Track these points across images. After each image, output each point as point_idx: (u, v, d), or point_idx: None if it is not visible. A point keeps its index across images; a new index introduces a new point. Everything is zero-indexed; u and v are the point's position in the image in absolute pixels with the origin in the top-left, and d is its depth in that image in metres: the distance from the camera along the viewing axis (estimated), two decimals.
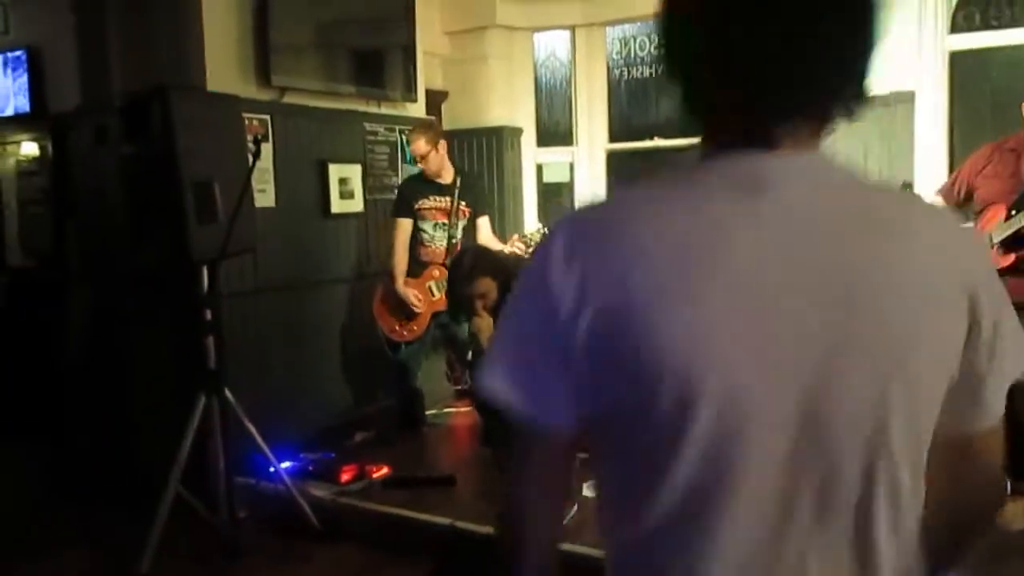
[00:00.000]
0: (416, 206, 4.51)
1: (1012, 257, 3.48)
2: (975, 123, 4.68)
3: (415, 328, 4.54)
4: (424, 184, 4.56)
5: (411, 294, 4.46)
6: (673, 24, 0.89)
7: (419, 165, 4.56)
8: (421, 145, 4.48)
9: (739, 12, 0.83)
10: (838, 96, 0.86)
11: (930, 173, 4.86)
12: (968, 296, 0.87)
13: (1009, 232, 3.47)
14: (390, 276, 4.53)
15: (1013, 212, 3.49)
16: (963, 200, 3.72)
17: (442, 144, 4.52)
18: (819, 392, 0.82)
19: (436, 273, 4.49)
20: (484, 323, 3.75)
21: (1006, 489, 1.09)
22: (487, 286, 3.75)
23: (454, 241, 4.52)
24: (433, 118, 5.54)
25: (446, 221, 4.51)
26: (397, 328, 4.55)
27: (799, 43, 0.82)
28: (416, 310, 4.47)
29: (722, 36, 0.84)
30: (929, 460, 0.90)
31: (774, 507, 0.84)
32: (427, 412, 4.88)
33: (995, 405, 0.94)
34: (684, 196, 0.88)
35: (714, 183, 0.86)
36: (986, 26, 4.93)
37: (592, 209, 0.92)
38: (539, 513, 1.06)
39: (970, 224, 3.67)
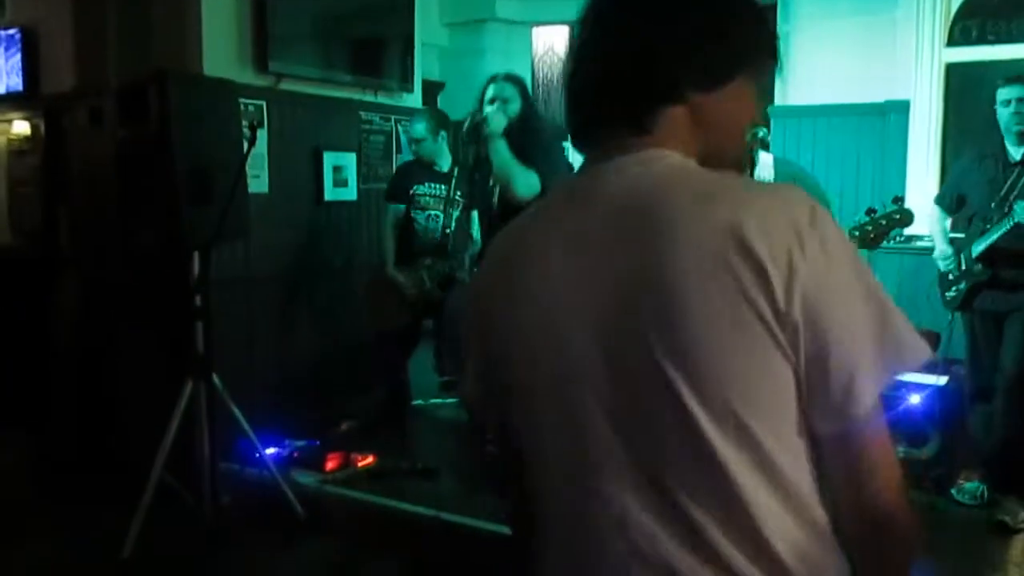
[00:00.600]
0: (411, 192, 4.49)
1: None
2: (968, 135, 4.71)
3: (405, 314, 4.53)
4: (420, 169, 4.52)
5: (400, 276, 4.44)
6: None
7: (412, 147, 4.55)
8: (418, 130, 4.47)
9: (566, 55, 1.03)
10: (621, 114, 0.96)
11: (922, 182, 4.89)
12: (723, 260, 0.85)
13: (986, 245, 3.45)
14: (381, 262, 4.52)
15: (988, 225, 3.46)
16: (956, 208, 3.71)
17: (442, 135, 4.49)
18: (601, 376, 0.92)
19: (428, 262, 4.45)
20: (496, 118, 3.47)
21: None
22: (511, 93, 3.69)
23: (448, 232, 4.47)
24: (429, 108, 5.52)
25: (440, 212, 4.46)
26: (387, 317, 4.54)
27: (582, 78, 0.99)
28: (406, 292, 4.45)
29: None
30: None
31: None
32: (413, 403, 4.89)
33: (827, 399, 0.87)
34: (537, 211, 1.06)
35: (557, 195, 1.06)
36: (983, 40, 4.96)
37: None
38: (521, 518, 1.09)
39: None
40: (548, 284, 0.95)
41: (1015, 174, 3.44)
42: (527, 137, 3.58)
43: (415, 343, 4.82)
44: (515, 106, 3.65)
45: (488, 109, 3.60)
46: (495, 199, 3.71)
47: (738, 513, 0.87)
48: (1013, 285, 3.42)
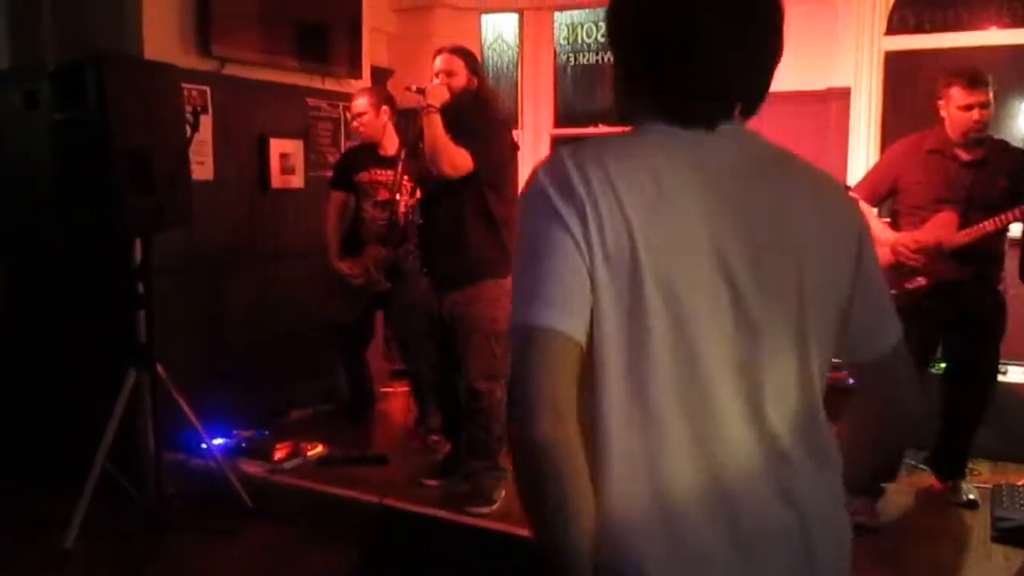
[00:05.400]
0: (355, 178, 4.38)
1: (969, 270, 3.37)
2: (907, 122, 4.81)
3: (356, 307, 4.49)
4: (365, 154, 4.40)
5: (344, 267, 4.38)
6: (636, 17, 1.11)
7: (353, 125, 4.45)
8: (359, 103, 4.32)
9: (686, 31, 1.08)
10: (752, 98, 1.13)
11: (862, 168, 4.99)
12: (857, 236, 1.14)
13: (967, 241, 3.32)
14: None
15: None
16: (884, 200, 3.59)
17: (384, 109, 4.31)
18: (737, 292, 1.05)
19: (375, 252, 4.36)
20: (438, 91, 3.40)
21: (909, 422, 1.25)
22: (457, 67, 3.52)
23: (394, 220, 4.29)
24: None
25: (387, 199, 4.32)
26: (339, 309, 4.51)
27: (723, 65, 1.08)
28: (353, 283, 4.38)
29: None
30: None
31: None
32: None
33: (879, 338, 1.17)
34: (650, 151, 1.08)
35: (665, 140, 1.08)
36: (920, 29, 5.09)
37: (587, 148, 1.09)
38: None
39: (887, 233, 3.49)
40: (691, 212, 1.03)
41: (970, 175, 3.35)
42: (470, 113, 3.44)
43: (370, 335, 4.79)
44: (460, 80, 3.50)
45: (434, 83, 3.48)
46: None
47: (815, 422, 1.11)
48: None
